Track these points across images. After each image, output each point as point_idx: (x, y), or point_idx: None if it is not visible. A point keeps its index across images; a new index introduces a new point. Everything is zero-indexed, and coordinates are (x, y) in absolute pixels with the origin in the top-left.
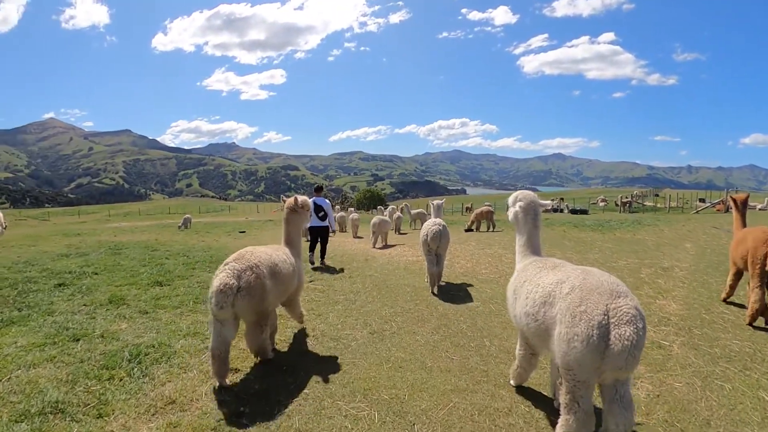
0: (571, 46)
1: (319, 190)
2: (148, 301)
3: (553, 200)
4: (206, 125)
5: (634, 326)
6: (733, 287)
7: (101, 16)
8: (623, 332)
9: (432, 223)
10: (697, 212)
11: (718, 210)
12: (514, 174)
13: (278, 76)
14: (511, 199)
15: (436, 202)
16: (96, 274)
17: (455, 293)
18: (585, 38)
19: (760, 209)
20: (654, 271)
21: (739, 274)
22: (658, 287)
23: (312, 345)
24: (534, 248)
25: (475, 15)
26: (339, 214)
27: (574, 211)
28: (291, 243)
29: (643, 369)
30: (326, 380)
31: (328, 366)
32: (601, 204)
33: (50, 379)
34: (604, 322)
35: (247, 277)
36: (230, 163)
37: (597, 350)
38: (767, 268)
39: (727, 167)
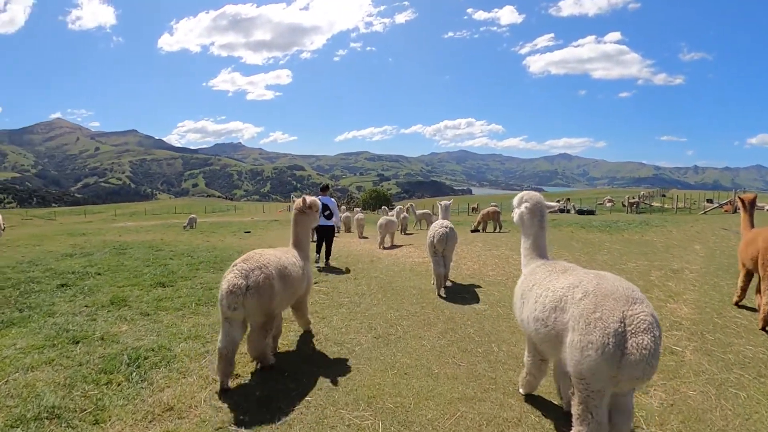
0: (577, 46)
1: (325, 189)
2: (150, 302)
3: (558, 201)
4: (212, 125)
5: (652, 334)
6: (744, 289)
7: (107, 16)
8: (641, 341)
9: (439, 225)
10: (704, 213)
11: (726, 211)
12: (520, 174)
13: (284, 77)
14: (516, 200)
15: (443, 202)
16: (99, 274)
17: (462, 295)
18: (591, 38)
19: None
20: (664, 273)
21: (749, 276)
22: (668, 290)
23: (315, 349)
24: (540, 251)
25: (480, 15)
26: (344, 214)
27: (580, 212)
28: (299, 245)
29: (656, 376)
30: (329, 387)
31: (331, 372)
32: (608, 204)
33: (48, 383)
34: (620, 330)
35: (255, 276)
36: (236, 163)
37: (612, 359)
38: None
39: (734, 167)
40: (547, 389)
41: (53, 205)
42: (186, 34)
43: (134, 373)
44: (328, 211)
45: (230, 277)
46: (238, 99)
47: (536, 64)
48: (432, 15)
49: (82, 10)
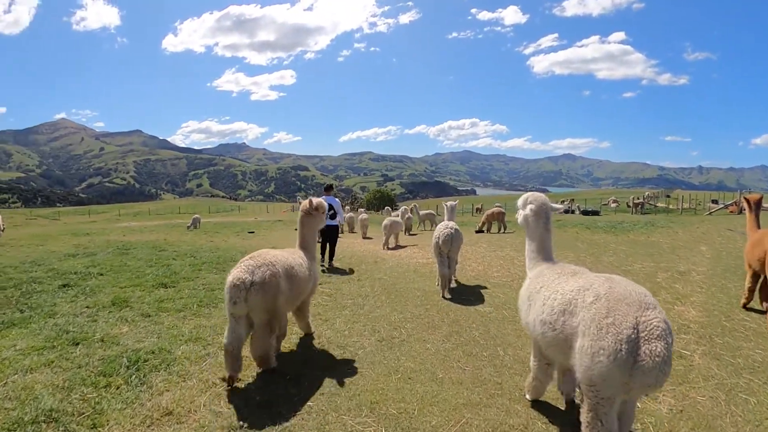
0: (581, 46)
1: (329, 189)
2: (151, 303)
3: (563, 201)
4: (216, 126)
5: (665, 341)
6: (752, 291)
7: (112, 17)
8: (654, 348)
9: (444, 226)
10: (710, 214)
11: (731, 211)
12: (524, 174)
13: (288, 77)
14: (520, 202)
15: (449, 203)
16: (101, 274)
17: (467, 297)
18: (595, 38)
19: None
20: (670, 275)
21: (756, 277)
22: (675, 292)
23: (317, 353)
24: (546, 253)
25: (484, 15)
26: (348, 214)
27: (585, 212)
28: (306, 246)
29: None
30: (331, 392)
31: (333, 376)
32: (613, 205)
33: (46, 385)
34: (633, 336)
35: (261, 273)
36: (240, 163)
37: (625, 366)
38: None
39: (739, 168)
40: (554, 395)
41: (58, 204)
42: (190, 35)
43: (134, 376)
44: (332, 211)
45: (236, 272)
46: (243, 99)
47: (540, 64)
48: (436, 15)
49: (87, 11)
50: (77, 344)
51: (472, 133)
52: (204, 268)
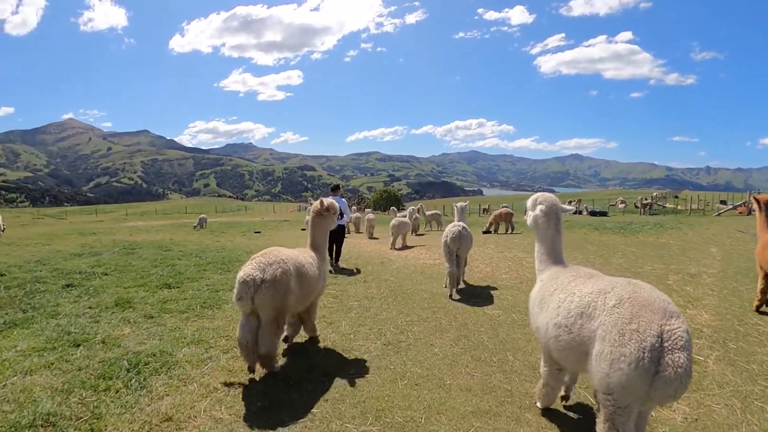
0: (588, 46)
1: (335, 189)
2: (154, 304)
3: (570, 202)
4: (223, 126)
5: (687, 352)
6: (765, 293)
7: (119, 18)
8: (677, 358)
9: (453, 225)
10: (719, 215)
11: (740, 212)
12: (531, 175)
13: (295, 77)
14: (530, 202)
15: (459, 204)
16: (106, 274)
17: (475, 300)
18: (602, 37)
19: None
20: (681, 277)
21: None
22: (687, 295)
23: (322, 357)
24: (557, 255)
25: (491, 15)
26: (355, 214)
27: (593, 213)
28: (317, 247)
29: None
30: (335, 398)
31: (338, 382)
32: (621, 206)
33: (45, 388)
34: (657, 345)
35: (272, 270)
36: (247, 163)
37: (646, 375)
38: None
39: (747, 168)
40: (562, 405)
41: (65, 204)
42: (197, 36)
43: (133, 380)
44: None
45: (247, 269)
46: (250, 99)
47: (547, 64)
48: (442, 15)
49: (94, 11)
50: (78, 346)
51: (479, 133)
52: (209, 268)
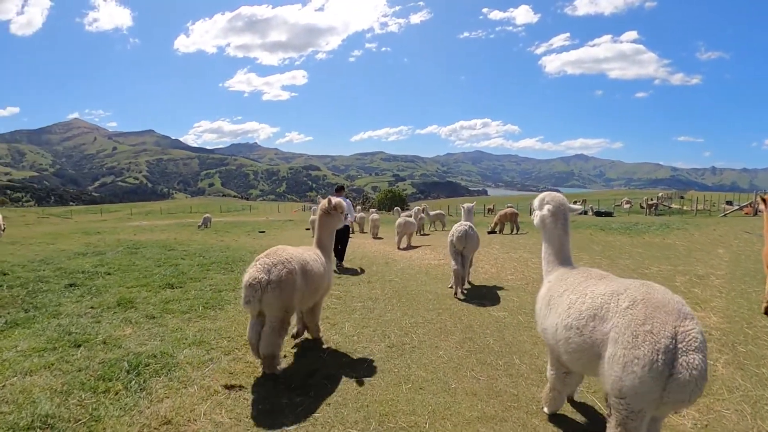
0: (593, 46)
1: (340, 190)
2: (157, 304)
3: (575, 202)
4: (228, 125)
5: (702, 354)
6: None
7: (124, 18)
8: (691, 360)
9: (458, 225)
10: (724, 215)
11: (746, 213)
12: (536, 175)
13: (300, 77)
14: (537, 202)
15: (466, 205)
16: (109, 274)
17: (480, 301)
18: (607, 37)
19: None
20: (689, 279)
21: None
22: (695, 297)
23: (324, 359)
24: (564, 256)
25: (496, 15)
26: (359, 214)
27: (598, 213)
28: (323, 245)
29: None
30: (338, 402)
31: (341, 385)
32: (626, 206)
33: (44, 389)
34: (671, 346)
35: (277, 271)
36: (252, 163)
37: (660, 378)
38: None
39: (752, 169)
40: (574, 408)
41: (71, 203)
42: (202, 36)
43: (133, 381)
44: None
45: (252, 271)
46: (254, 99)
47: (552, 64)
48: (447, 15)
49: (99, 12)
50: (79, 346)
51: (483, 133)
52: (212, 268)
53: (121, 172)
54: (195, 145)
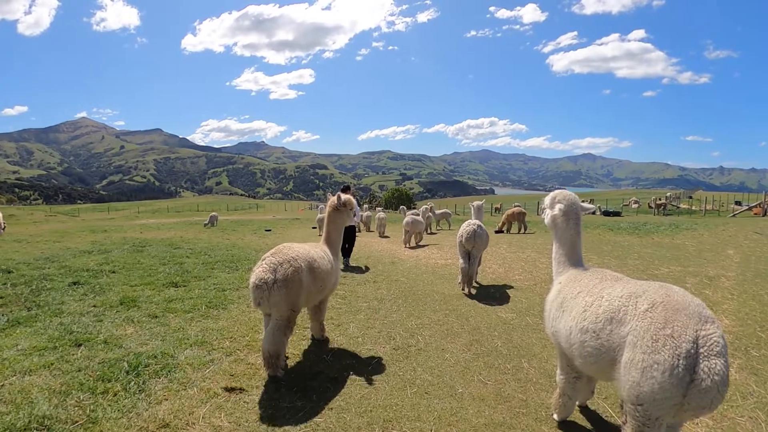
0: (601, 44)
1: (346, 189)
2: (159, 303)
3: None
4: (236, 124)
5: (724, 359)
6: None
7: (131, 18)
8: (713, 366)
9: (468, 224)
10: (734, 215)
11: (755, 213)
12: (544, 174)
13: (307, 76)
14: (548, 200)
15: (475, 203)
16: (113, 272)
17: (488, 302)
18: (615, 36)
19: None
20: (699, 280)
21: None
22: (706, 299)
23: (328, 362)
24: (576, 257)
25: (503, 13)
26: (366, 213)
27: (606, 213)
28: (330, 242)
29: None
30: (341, 407)
31: (344, 389)
32: (634, 206)
33: (43, 389)
34: (692, 351)
35: (284, 270)
36: (259, 161)
37: (680, 384)
38: None
39: (761, 169)
40: (584, 415)
41: (78, 202)
42: (209, 35)
43: (132, 382)
44: None
45: (258, 272)
46: (262, 98)
47: (559, 62)
48: (454, 14)
49: (107, 11)
50: (80, 345)
51: (491, 132)
52: (217, 266)
53: (128, 170)
54: (202, 143)
